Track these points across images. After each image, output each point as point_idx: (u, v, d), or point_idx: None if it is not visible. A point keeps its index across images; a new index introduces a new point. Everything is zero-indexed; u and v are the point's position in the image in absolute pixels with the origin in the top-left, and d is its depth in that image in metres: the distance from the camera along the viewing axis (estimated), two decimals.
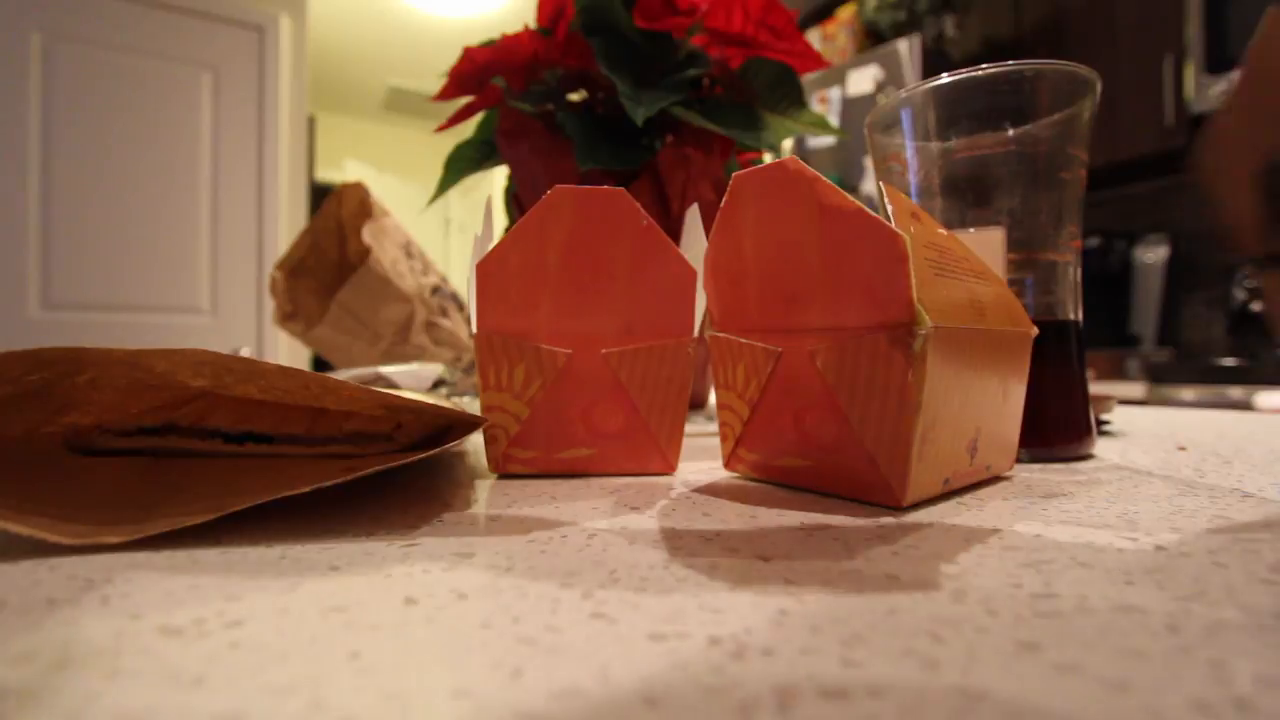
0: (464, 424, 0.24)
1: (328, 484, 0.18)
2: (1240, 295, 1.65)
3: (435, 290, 0.76)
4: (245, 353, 0.21)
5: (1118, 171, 1.78)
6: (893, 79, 2.01)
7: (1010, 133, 0.29)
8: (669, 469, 0.27)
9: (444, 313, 0.76)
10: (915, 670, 0.10)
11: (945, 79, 0.30)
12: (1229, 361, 1.50)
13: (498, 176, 3.55)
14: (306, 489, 0.18)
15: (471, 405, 0.52)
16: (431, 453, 0.21)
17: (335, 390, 0.20)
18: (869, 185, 2.03)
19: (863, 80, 2.08)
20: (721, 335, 0.25)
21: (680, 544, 0.17)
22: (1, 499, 0.17)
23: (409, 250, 0.76)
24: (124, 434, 0.23)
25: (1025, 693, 0.09)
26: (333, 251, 0.77)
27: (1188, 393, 1.48)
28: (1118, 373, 1.77)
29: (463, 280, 3.82)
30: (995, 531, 0.18)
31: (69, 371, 0.19)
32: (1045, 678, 0.10)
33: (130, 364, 0.19)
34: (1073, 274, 0.31)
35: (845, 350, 0.21)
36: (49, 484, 0.20)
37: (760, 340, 0.23)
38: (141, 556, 0.15)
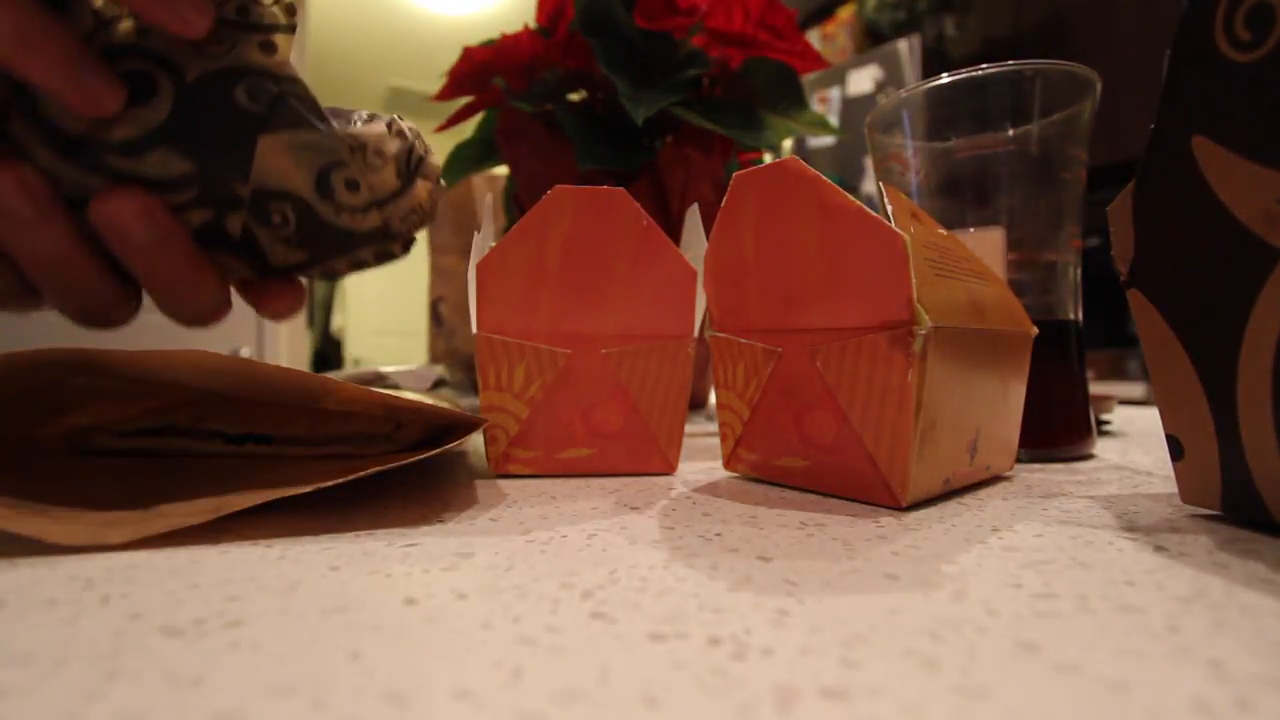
0: (464, 425, 0.24)
1: (328, 485, 0.18)
2: None
3: None
4: (245, 353, 0.21)
5: (1118, 171, 1.78)
6: (893, 79, 2.01)
7: (1010, 133, 0.29)
8: (669, 469, 0.27)
9: None
10: (915, 670, 0.10)
11: (945, 79, 0.30)
12: None
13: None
14: (307, 489, 0.18)
15: (474, 405, 0.52)
16: (432, 453, 0.21)
17: (335, 391, 0.20)
18: (869, 185, 2.03)
19: (863, 80, 2.08)
20: (721, 335, 0.25)
21: (680, 544, 0.17)
22: (1, 499, 0.17)
23: None
24: (124, 434, 0.23)
25: (1025, 693, 0.09)
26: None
27: None
28: (1118, 373, 1.77)
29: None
30: (995, 531, 0.18)
31: (69, 372, 0.19)
32: (1045, 678, 0.10)
33: (130, 365, 0.19)
34: (1073, 274, 0.31)
35: (845, 350, 0.21)
36: (49, 484, 0.20)
37: (760, 340, 0.23)
38: (141, 556, 0.15)
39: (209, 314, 0.25)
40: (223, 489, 0.19)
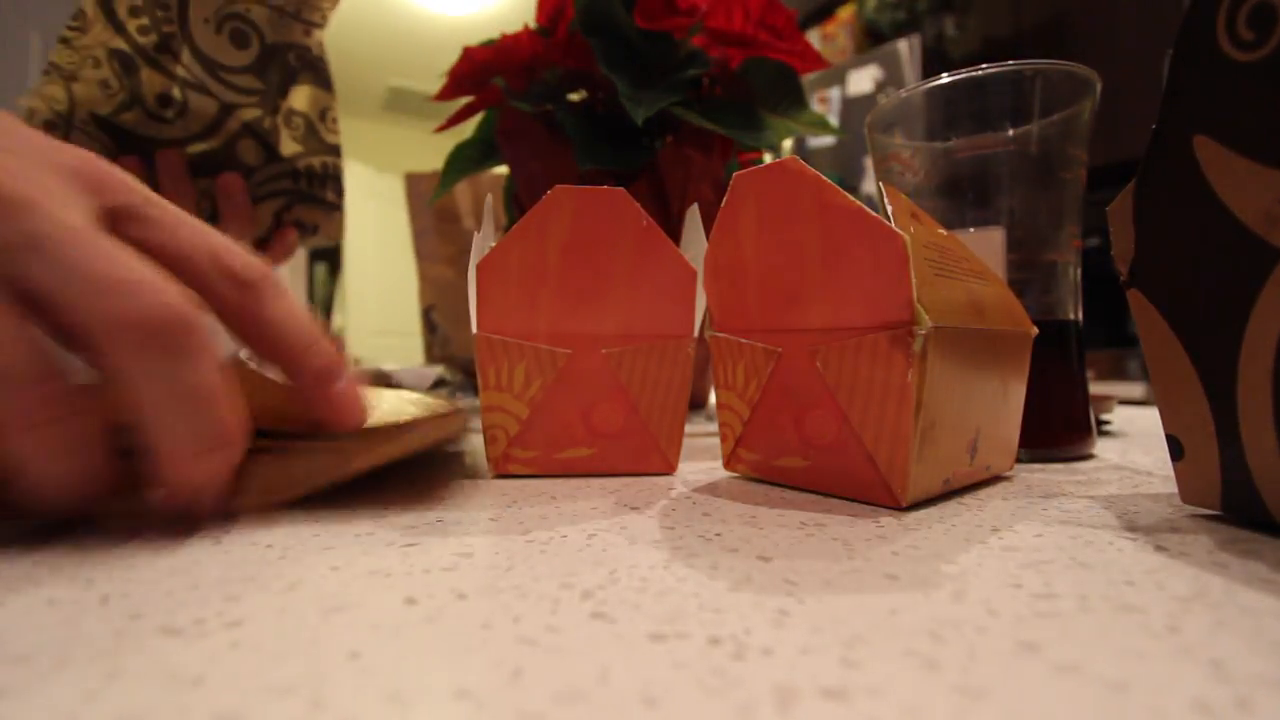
0: (440, 424, 0.24)
1: (348, 475, 0.20)
2: None
3: None
4: (245, 354, 0.22)
5: (1118, 171, 1.78)
6: (893, 79, 2.01)
7: (1010, 133, 0.29)
8: (669, 469, 0.27)
9: None
10: (915, 670, 0.10)
11: (945, 79, 0.30)
12: None
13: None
14: (326, 482, 0.20)
15: (473, 407, 0.52)
16: (415, 444, 0.21)
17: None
18: (869, 185, 2.03)
19: (863, 80, 2.08)
20: (721, 335, 0.25)
21: (680, 544, 0.17)
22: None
23: None
24: None
25: (1025, 693, 0.09)
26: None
27: None
28: (1118, 373, 1.77)
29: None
30: (995, 531, 0.18)
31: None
32: (1045, 678, 0.10)
33: None
34: (1073, 274, 0.31)
35: (845, 350, 0.21)
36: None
37: (760, 340, 0.23)
38: (142, 556, 0.15)
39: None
40: (239, 483, 0.20)
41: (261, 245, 0.47)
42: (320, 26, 0.45)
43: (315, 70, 0.45)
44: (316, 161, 0.46)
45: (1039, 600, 0.13)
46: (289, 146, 0.44)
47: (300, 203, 0.47)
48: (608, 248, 0.24)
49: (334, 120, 0.47)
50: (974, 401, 0.22)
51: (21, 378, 0.15)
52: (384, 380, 0.51)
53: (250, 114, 0.42)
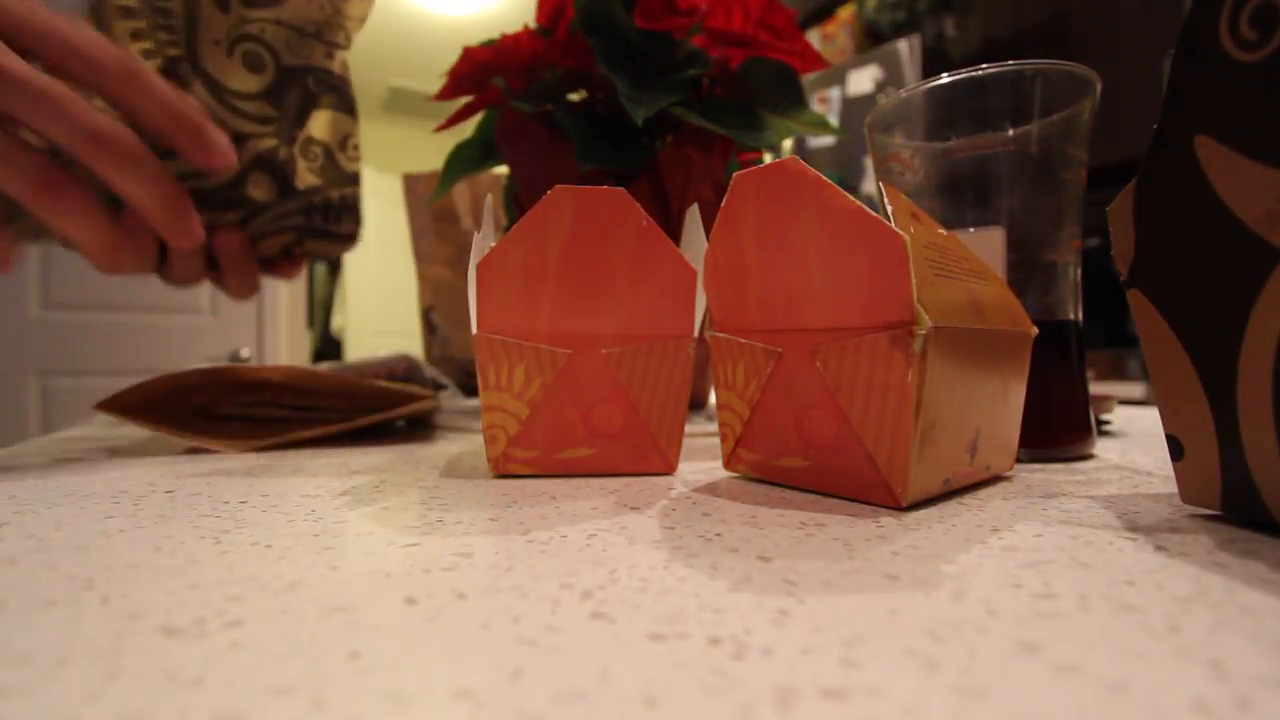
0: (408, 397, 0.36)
1: (334, 430, 0.36)
2: None
3: None
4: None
5: (1118, 171, 1.78)
6: (893, 79, 2.01)
7: (1010, 133, 0.29)
8: (669, 469, 0.27)
9: None
10: (915, 670, 0.10)
11: (945, 79, 0.30)
12: None
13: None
14: (333, 430, 0.35)
15: (467, 408, 0.52)
16: (395, 413, 0.36)
17: (345, 379, 0.37)
18: (869, 185, 2.03)
19: (863, 80, 2.08)
20: (721, 335, 0.25)
21: (680, 544, 0.17)
22: (179, 432, 0.34)
23: None
24: (235, 405, 0.40)
25: (1025, 693, 0.09)
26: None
27: None
28: (1118, 373, 1.77)
29: None
30: (995, 531, 0.18)
31: (200, 382, 0.38)
32: (1045, 678, 0.10)
33: (237, 373, 0.38)
34: (1073, 274, 0.31)
35: (845, 350, 0.21)
36: (193, 428, 0.36)
37: (760, 340, 0.23)
38: (142, 556, 0.15)
39: (250, 292, 0.44)
40: (289, 430, 0.36)
41: (266, 265, 0.44)
42: (344, 48, 0.40)
43: (338, 93, 0.40)
44: (335, 194, 0.41)
45: (1039, 600, 0.13)
46: (306, 179, 0.40)
47: (311, 238, 0.42)
48: (608, 248, 0.24)
49: (355, 147, 0.41)
50: (974, 401, 0.22)
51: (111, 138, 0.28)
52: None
53: (265, 144, 0.38)
